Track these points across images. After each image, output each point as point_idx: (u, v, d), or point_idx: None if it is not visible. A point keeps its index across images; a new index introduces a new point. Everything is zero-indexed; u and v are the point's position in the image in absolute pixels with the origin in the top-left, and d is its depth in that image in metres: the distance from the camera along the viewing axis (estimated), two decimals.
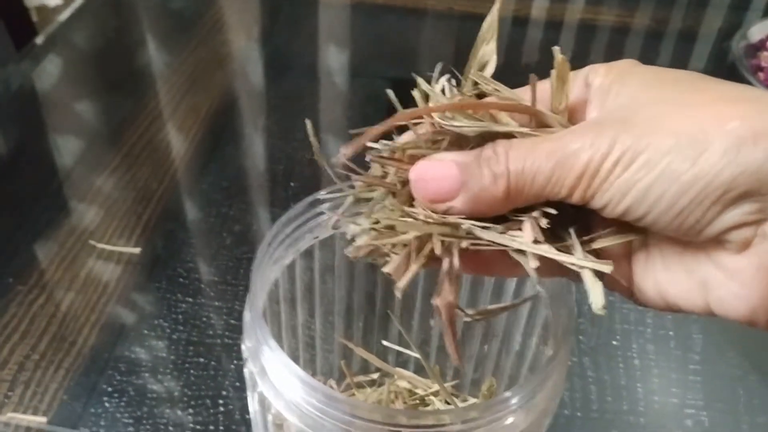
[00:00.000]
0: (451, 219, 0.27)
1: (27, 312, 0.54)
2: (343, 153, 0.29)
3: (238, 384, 0.50)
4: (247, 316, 0.31)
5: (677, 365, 0.52)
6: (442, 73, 0.30)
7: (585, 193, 0.25)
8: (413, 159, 0.28)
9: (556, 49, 0.27)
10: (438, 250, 0.27)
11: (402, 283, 0.27)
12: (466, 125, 0.27)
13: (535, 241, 0.26)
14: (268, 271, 0.33)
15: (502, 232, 0.27)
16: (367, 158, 0.29)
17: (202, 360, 0.51)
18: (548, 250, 0.26)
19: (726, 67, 0.87)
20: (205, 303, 0.55)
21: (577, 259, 0.26)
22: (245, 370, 0.31)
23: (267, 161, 0.70)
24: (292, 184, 0.66)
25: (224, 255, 0.59)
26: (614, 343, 0.54)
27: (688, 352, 0.53)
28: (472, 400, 0.43)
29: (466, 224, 0.27)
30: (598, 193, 0.25)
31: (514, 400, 0.28)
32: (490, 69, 0.29)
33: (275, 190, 0.66)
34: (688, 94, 0.25)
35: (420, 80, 0.29)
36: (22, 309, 0.54)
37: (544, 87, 0.28)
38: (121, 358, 0.51)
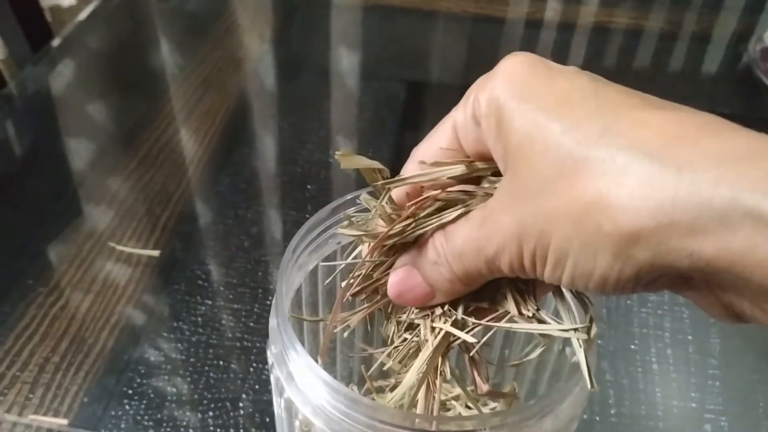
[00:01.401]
0: (446, 327, 0.29)
1: (47, 314, 0.54)
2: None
3: (257, 387, 0.50)
4: (272, 321, 0.31)
5: (696, 370, 0.52)
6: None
7: (529, 279, 0.26)
8: (383, 275, 0.30)
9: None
10: (448, 375, 0.29)
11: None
12: (396, 239, 0.29)
13: (518, 308, 0.28)
14: (293, 276, 0.33)
15: (491, 299, 0.29)
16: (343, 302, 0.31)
17: (221, 363, 0.51)
18: (531, 327, 0.28)
19: (740, 70, 0.87)
20: (223, 305, 0.55)
21: (558, 330, 0.28)
22: (271, 376, 0.31)
23: (283, 164, 0.70)
24: (308, 186, 0.66)
25: (242, 257, 0.59)
26: (632, 347, 0.54)
27: (706, 356, 0.53)
28: (492, 405, 0.43)
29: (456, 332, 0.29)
30: (539, 280, 0.25)
31: (539, 407, 0.28)
32: (386, 173, 0.30)
33: (292, 192, 0.66)
34: (566, 165, 0.23)
35: (341, 229, 0.31)
36: (42, 311, 0.54)
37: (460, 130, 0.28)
38: (141, 360, 0.51)
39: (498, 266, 0.26)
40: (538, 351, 0.31)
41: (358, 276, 0.31)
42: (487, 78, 0.26)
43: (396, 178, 0.29)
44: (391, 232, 0.28)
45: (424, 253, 0.28)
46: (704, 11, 0.97)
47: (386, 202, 0.29)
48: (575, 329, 0.27)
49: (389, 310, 0.32)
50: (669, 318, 0.56)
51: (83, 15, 0.91)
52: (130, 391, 0.49)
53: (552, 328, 0.28)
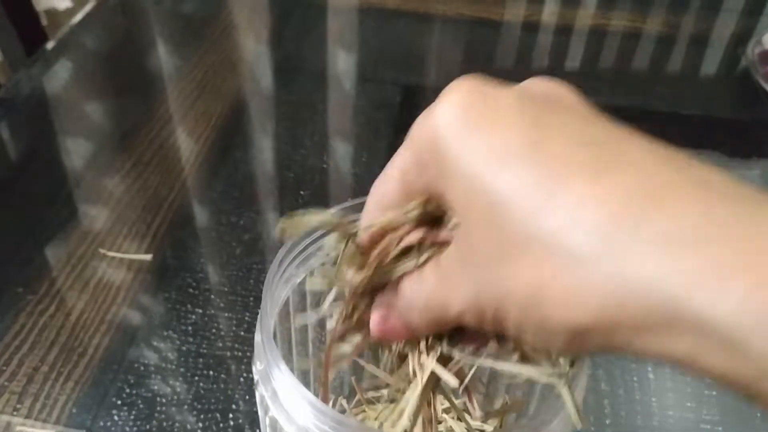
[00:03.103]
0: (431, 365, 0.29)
1: (36, 322, 0.54)
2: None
3: (247, 397, 0.49)
4: (258, 337, 0.30)
5: (692, 379, 0.52)
6: None
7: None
8: (366, 311, 0.30)
9: None
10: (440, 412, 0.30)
11: None
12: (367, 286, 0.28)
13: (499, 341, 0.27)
14: (279, 290, 0.33)
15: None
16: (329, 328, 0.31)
17: (211, 372, 0.51)
18: (512, 368, 0.27)
19: (739, 73, 0.86)
20: (214, 314, 0.55)
21: (540, 374, 0.27)
22: (257, 393, 0.31)
23: (277, 168, 0.70)
24: (302, 192, 0.66)
25: (234, 265, 0.59)
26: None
27: None
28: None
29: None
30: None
31: (530, 427, 0.28)
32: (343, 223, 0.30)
33: (285, 198, 0.66)
34: (508, 241, 0.21)
35: (309, 284, 0.30)
36: (31, 319, 0.54)
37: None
38: (131, 369, 0.51)
39: (465, 321, 0.24)
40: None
41: (341, 319, 0.30)
42: (428, 115, 0.24)
43: (354, 228, 0.28)
44: (360, 282, 0.28)
45: (397, 297, 0.28)
46: (702, 14, 0.97)
47: (352, 248, 0.29)
48: (558, 373, 0.26)
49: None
50: None
51: (78, 17, 0.90)
52: (119, 401, 0.49)
53: (533, 371, 0.27)
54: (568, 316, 0.20)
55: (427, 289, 0.26)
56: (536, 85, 0.25)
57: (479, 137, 0.22)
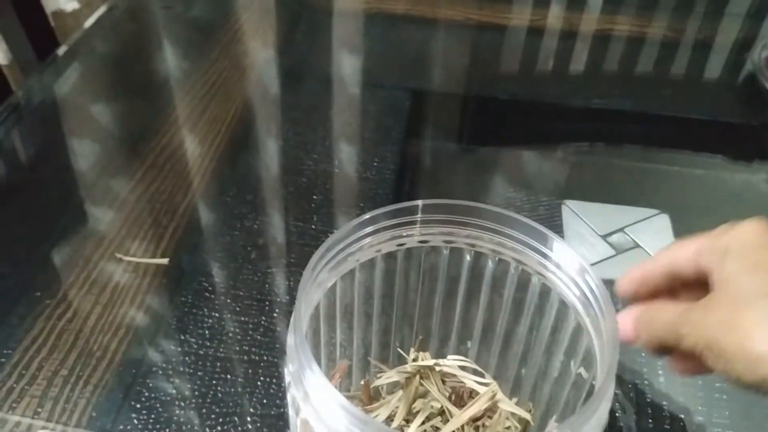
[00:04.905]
0: None
1: (55, 326, 0.54)
2: None
3: (265, 401, 0.50)
4: (290, 339, 0.31)
5: (703, 383, 0.52)
6: None
7: None
8: None
9: None
10: None
11: None
12: None
13: None
14: (312, 294, 0.33)
15: None
16: None
17: (229, 377, 0.51)
18: None
19: (744, 77, 0.87)
20: (231, 318, 0.55)
21: None
22: (288, 395, 0.31)
23: (289, 173, 0.70)
24: (314, 197, 0.66)
25: (249, 269, 0.59)
26: (639, 360, 0.54)
27: None
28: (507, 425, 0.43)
29: None
30: None
31: None
32: None
33: (298, 203, 0.66)
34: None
35: None
36: (50, 323, 0.54)
37: None
38: (149, 373, 0.51)
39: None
40: None
41: None
42: (724, 234, 0.35)
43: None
44: None
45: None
46: (707, 18, 0.97)
47: None
48: None
49: None
50: None
51: (89, 22, 0.91)
52: (138, 405, 0.49)
53: None
54: None
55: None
56: None
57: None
